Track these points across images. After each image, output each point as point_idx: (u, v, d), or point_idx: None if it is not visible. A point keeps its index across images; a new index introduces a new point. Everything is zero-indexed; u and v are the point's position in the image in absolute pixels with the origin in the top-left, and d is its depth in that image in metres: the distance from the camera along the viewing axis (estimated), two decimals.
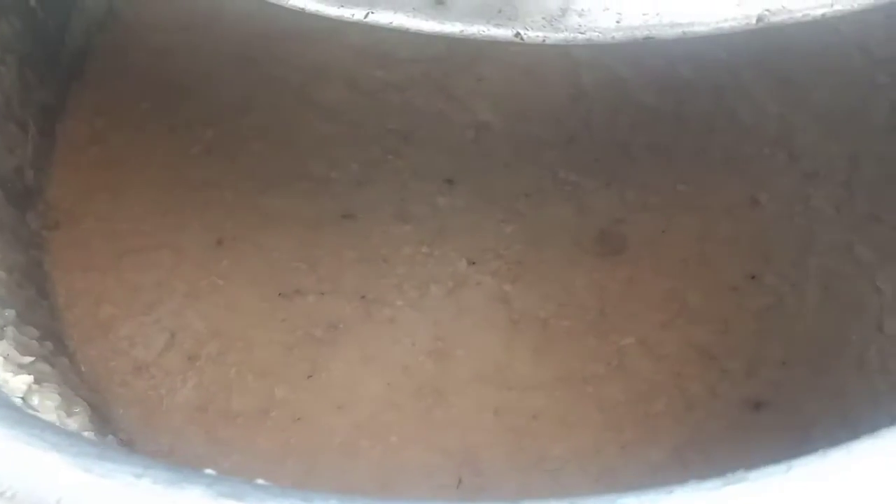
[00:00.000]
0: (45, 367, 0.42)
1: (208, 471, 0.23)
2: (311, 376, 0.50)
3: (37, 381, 0.36)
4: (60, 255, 0.56)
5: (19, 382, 0.34)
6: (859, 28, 0.61)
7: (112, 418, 0.49)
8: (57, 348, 0.49)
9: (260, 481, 0.24)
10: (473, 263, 0.53)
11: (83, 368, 0.51)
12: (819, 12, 0.37)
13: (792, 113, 0.57)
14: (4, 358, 0.36)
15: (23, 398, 0.33)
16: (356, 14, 0.37)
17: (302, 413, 0.49)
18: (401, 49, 0.63)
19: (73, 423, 0.40)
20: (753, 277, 0.51)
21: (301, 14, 0.65)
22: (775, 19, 0.37)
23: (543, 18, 0.36)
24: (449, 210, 0.56)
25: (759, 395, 0.47)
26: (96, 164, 0.59)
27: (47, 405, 0.36)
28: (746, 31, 0.62)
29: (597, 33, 0.36)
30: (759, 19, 0.36)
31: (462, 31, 0.37)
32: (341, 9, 0.37)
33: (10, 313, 0.43)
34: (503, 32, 0.37)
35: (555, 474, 0.46)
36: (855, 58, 0.59)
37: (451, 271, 0.53)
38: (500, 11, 0.36)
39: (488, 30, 0.37)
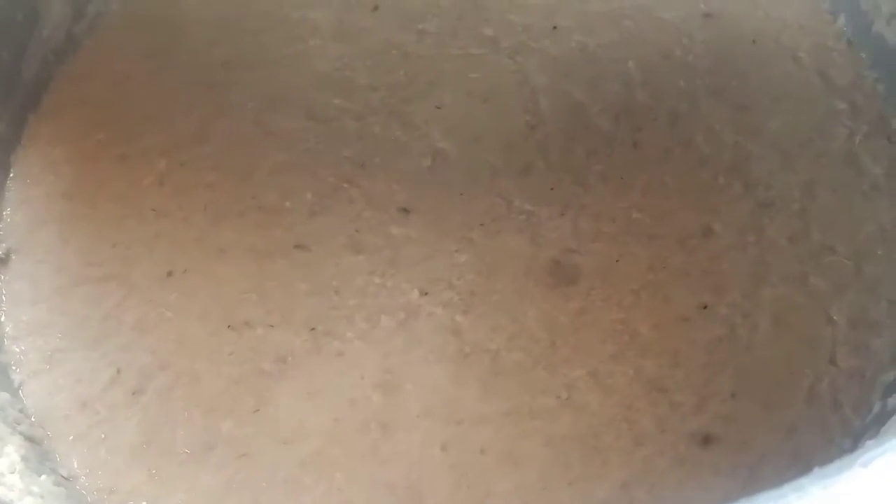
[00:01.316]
0: None
1: None
2: (257, 410, 0.49)
3: None
4: (9, 287, 0.55)
5: None
6: (819, 54, 0.60)
7: (53, 454, 0.48)
8: (2, 383, 0.49)
9: None
10: (426, 294, 0.53)
11: (27, 403, 0.50)
12: None
13: (749, 141, 0.57)
14: None
15: None
16: None
17: (247, 449, 0.48)
18: (361, 76, 0.63)
19: (3, 464, 0.39)
20: (705, 308, 0.50)
21: (262, 42, 0.65)
22: None
23: None
24: (402, 240, 0.55)
25: (707, 430, 0.46)
26: (48, 196, 0.59)
27: None
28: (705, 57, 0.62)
29: None
30: None
31: None
32: None
33: None
34: None
35: None
36: (814, 85, 0.59)
37: (403, 302, 0.53)
38: None
39: None
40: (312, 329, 0.52)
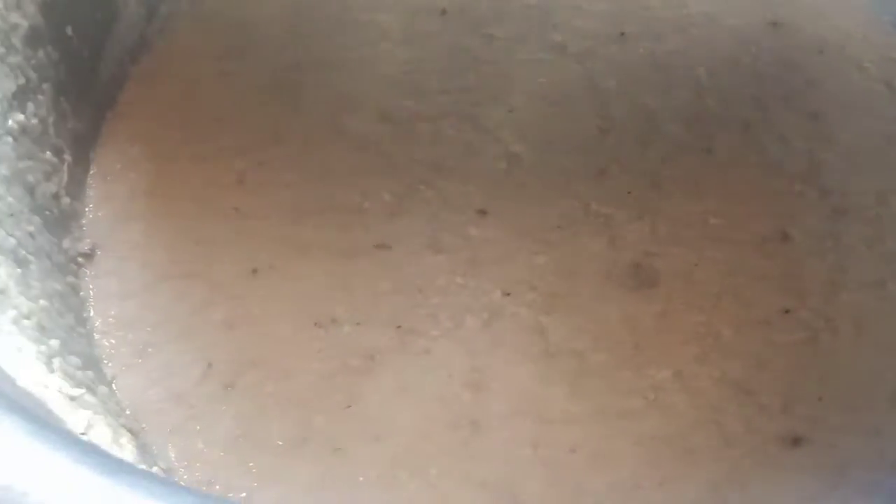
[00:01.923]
0: (92, 399, 0.42)
1: None
2: (348, 406, 0.50)
3: (93, 414, 0.36)
4: (96, 282, 0.56)
5: (80, 418, 0.34)
6: (884, 65, 0.62)
7: (151, 447, 0.49)
8: (97, 377, 0.49)
9: None
10: (508, 294, 0.54)
11: (120, 396, 0.51)
12: None
13: (821, 149, 0.58)
14: (60, 392, 0.36)
15: (84, 433, 0.33)
16: None
17: (340, 444, 0.49)
18: (432, 80, 0.64)
19: (124, 455, 0.40)
20: (787, 312, 0.52)
21: (331, 44, 0.66)
22: None
23: None
24: (481, 240, 0.56)
25: (795, 431, 0.47)
26: (130, 193, 0.60)
27: (102, 438, 0.36)
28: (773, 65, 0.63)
29: None
30: None
31: None
32: None
33: (54, 343, 0.43)
34: None
35: None
36: (881, 94, 0.60)
37: (486, 302, 0.54)
38: None
39: None
40: (398, 327, 0.53)
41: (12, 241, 0.46)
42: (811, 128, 0.59)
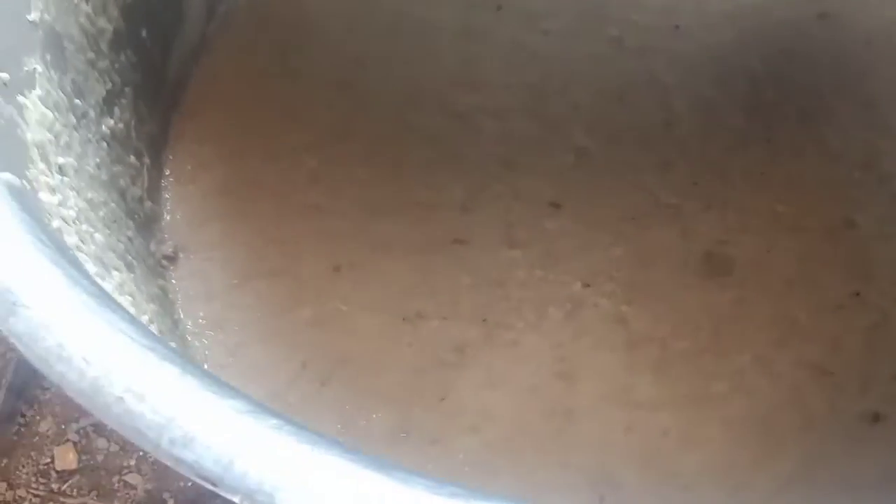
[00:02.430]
0: None
1: None
2: (443, 399, 0.52)
3: None
4: (181, 284, 0.57)
5: None
6: None
7: None
8: None
9: None
10: (588, 286, 0.56)
11: None
12: None
13: (877, 137, 0.60)
14: None
15: None
16: None
17: (438, 435, 0.51)
18: (493, 75, 0.65)
19: None
20: (857, 295, 0.54)
21: (390, 40, 0.67)
22: None
23: None
24: (557, 233, 0.58)
25: (875, 409, 0.50)
26: (204, 194, 0.60)
27: None
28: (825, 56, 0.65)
29: None
30: None
31: None
32: None
33: (173, 346, 0.44)
34: None
35: (690, 489, 0.48)
36: None
37: (567, 294, 0.55)
38: None
39: None
40: (484, 320, 0.55)
41: (121, 245, 0.46)
42: (866, 116, 0.61)
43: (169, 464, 0.22)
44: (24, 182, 0.31)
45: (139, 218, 0.54)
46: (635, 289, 0.55)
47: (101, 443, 0.77)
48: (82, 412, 0.77)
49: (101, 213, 0.44)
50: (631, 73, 0.65)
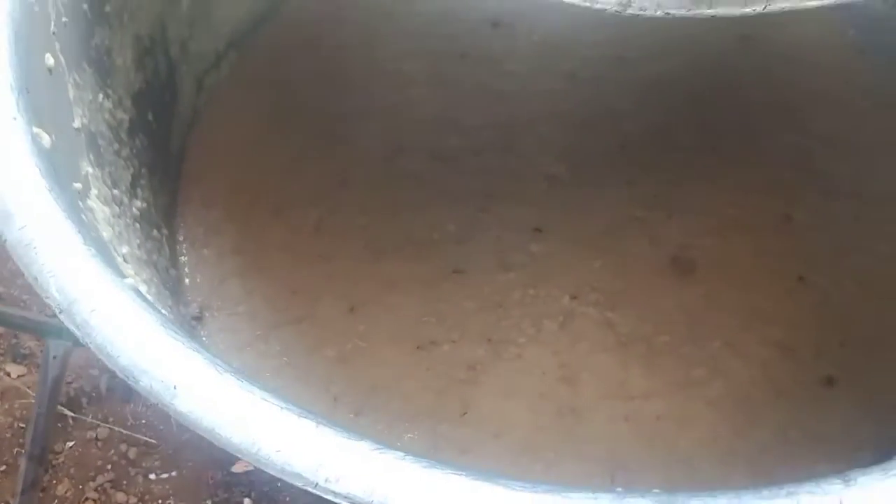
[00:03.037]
0: None
1: None
2: (465, 413, 0.59)
3: None
4: (211, 340, 0.62)
5: None
6: (839, 63, 0.74)
7: None
8: None
9: None
10: (575, 298, 0.63)
11: None
12: None
13: (803, 140, 0.70)
14: None
15: None
16: None
17: (466, 446, 0.57)
18: (467, 117, 0.72)
19: None
20: (802, 279, 0.63)
21: (369, 94, 0.73)
22: None
23: None
24: (542, 255, 0.65)
25: (830, 373, 0.59)
26: (219, 255, 0.66)
27: None
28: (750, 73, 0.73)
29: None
30: None
31: None
32: None
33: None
34: None
35: (686, 462, 0.56)
36: (841, 90, 0.72)
37: (559, 307, 0.63)
38: None
39: None
40: (489, 339, 0.62)
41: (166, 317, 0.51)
42: (792, 122, 0.71)
43: (327, 497, 0.28)
44: (133, 280, 0.36)
45: (170, 286, 0.59)
46: (617, 295, 0.63)
47: (120, 496, 0.81)
48: (98, 470, 0.81)
49: (154, 291, 0.49)
50: (587, 103, 0.73)
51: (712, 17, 0.41)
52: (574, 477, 0.56)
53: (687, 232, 0.66)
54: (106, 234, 0.43)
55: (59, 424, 0.82)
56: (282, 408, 0.30)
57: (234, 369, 0.31)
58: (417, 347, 0.62)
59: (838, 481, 0.29)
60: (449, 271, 0.65)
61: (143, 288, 0.41)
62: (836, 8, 0.66)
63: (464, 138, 0.71)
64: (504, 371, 0.61)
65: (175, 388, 0.29)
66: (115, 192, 0.51)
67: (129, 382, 0.30)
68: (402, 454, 0.30)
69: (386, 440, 0.58)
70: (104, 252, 0.37)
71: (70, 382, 0.85)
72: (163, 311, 0.49)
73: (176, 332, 0.31)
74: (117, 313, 0.31)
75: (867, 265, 0.64)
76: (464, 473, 0.30)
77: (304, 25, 0.76)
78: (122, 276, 0.36)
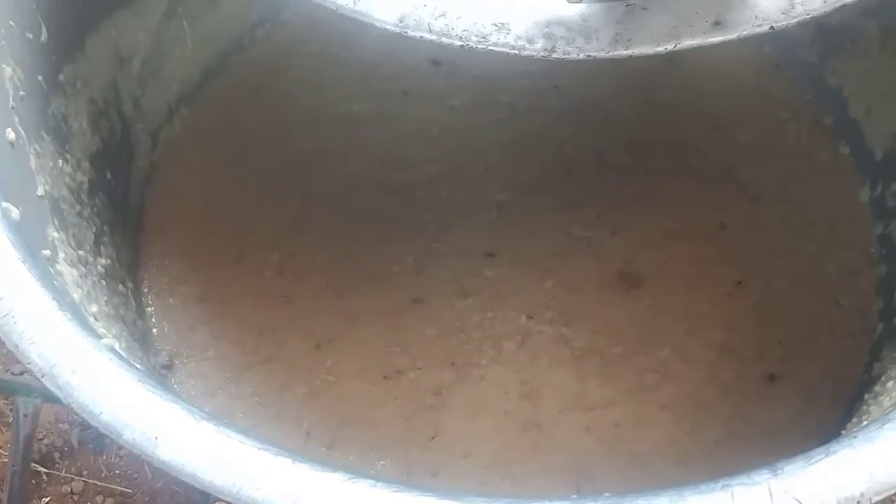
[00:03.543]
0: None
1: None
2: (434, 437, 0.61)
3: None
4: (182, 387, 0.64)
5: None
6: (759, 79, 0.79)
7: None
8: None
9: None
10: (531, 318, 0.67)
11: None
12: None
13: (728, 153, 0.74)
14: None
15: None
16: None
17: (437, 468, 0.60)
18: (415, 152, 0.75)
19: None
20: (739, 283, 0.67)
21: (319, 137, 0.76)
22: None
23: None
24: (497, 279, 0.69)
25: (771, 370, 0.63)
26: (184, 304, 0.68)
27: None
28: (677, 92, 0.78)
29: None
30: None
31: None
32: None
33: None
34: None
35: (645, 466, 0.60)
36: (762, 102, 0.77)
37: (516, 327, 0.66)
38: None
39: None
40: (453, 364, 0.64)
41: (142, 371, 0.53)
42: (718, 137, 0.76)
43: None
44: (108, 340, 0.38)
45: (138, 338, 0.61)
46: (569, 312, 0.67)
47: None
48: None
49: (124, 345, 0.51)
50: (529, 131, 0.77)
51: (629, 56, 0.45)
52: (541, 490, 0.59)
53: (630, 247, 0.70)
54: (76, 295, 0.44)
55: (34, 481, 0.82)
56: (258, 448, 0.32)
57: (210, 415, 0.33)
58: (384, 377, 0.64)
59: (766, 471, 0.33)
60: (409, 301, 0.68)
61: (115, 344, 0.43)
62: None
63: (413, 173, 0.74)
64: (469, 393, 0.64)
65: (156, 438, 0.31)
66: (81, 252, 0.53)
67: (113, 437, 0.32)
68: (373, 482, 0.32)
69: (360, 469, 0.61)
70: (77, 314, 0.39)
71: (41, 439, 0.85)
72: (135, 364, 0.51)
73: (153, 386, 0.33)
74: (96, 373, 0.33)
75: (797, 265, 0.69)
76: (432, 495, 0.32)
77: (252, 76, 0.79)
78: (97, 335, 0.38)
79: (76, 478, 0.83)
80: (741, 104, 0.78)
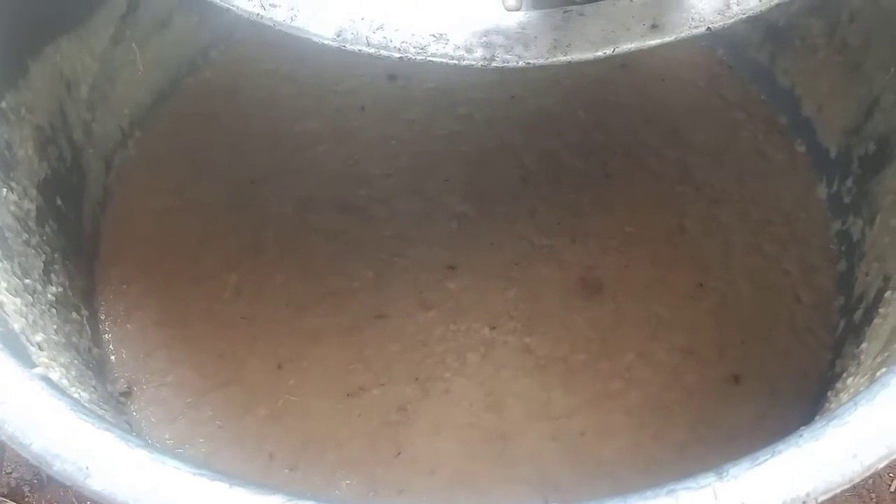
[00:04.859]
0: None
1: None
2: (399, 454, 0.60)
3: None
4: (142, 414, 0.63)
5: None
6: (712, 80, 0.80)
7: None
8: None
9: None
10: (494, 328, 0.66)
11: None
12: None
13: (686, 155, 0.75)
14: None
15: None
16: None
17: (402, 486, 0.59)
18: (372, 167, 0.75)
19: None
20: (701, 285, 0.67)
21: (276, 156, 0.75)
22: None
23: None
24: (459, 290, 0.68)
25: (734, 371, 0.63)
26: (142, 329, 0.67)
27: None
28: (631, 96, 0.78)
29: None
30: None
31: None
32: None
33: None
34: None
35: (612, 475, 0.59)
36: (716, 104, 0.78)
37: (479, 339, 0.66)
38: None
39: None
40: (416, 378, 0.64)
41: (95, 395, 0.52)
42: (674, 140, 0.76)
43: None
44: (41, 369, 0.37)
45: (93, 366, 0.59)
46: (532, 321, 0.66)
47: None
48: None
49: (74, 373, 0.50)
50: (485, 141, 0.77)
51: (568, 62, 0.45)
52: (508, 501, 0.58)
53: (591, 253, 0.70)
54: (17, 325, 0.43)
55: None
56: (194, 474, 0.32)
57: (144, 443, 0.32)
58: (347, 395, 0.63)
59: (712, 475, 0.33)
60: (371, 317, 0.67)
61: (58, 373, 0.42)
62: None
63: (371, 188, 0.74)
64: (433, 407, 0.63)
65: (87, 468, 0.30)
66: (27, 281, 0.52)
67: (43, 468, 0.31)
68: (312, 503, 0.32)
69: (323, 490, 0.60)
70: (14, 344, 0.38)
71: (10, 473, 0.84)
72: (83, 392, 0.50)
73: (86, 415, 0.32)
74: (26, 403, 0.32)
75: (757, 265, 0.69)
76: None
77: (205, 98, 0.78)
78: (33, 365, 0.37)
79: None
80: (696, 106, 0.78)
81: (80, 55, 0.65)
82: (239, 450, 0.61)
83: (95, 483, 0.30)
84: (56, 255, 0.60)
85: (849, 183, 0.69)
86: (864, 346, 0.56)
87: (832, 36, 0.69)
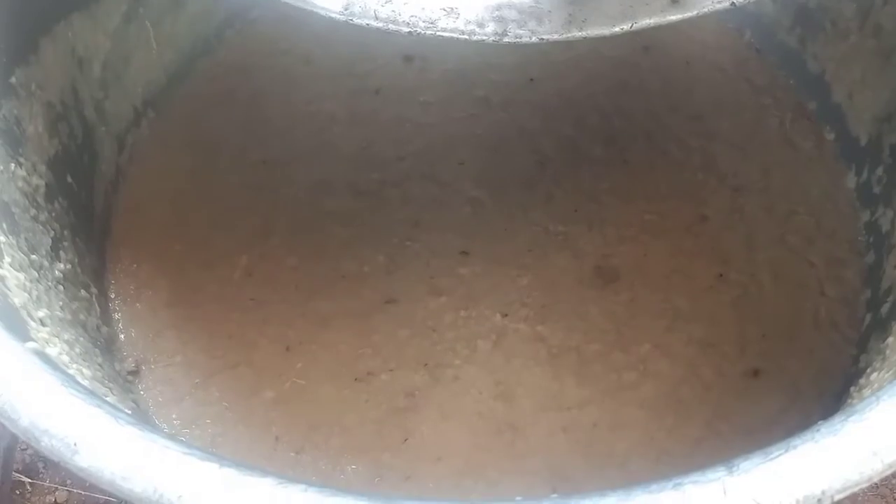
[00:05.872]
0: None
1: None
2: (406, 440, 0.59)
3: None
4: (150, 393, 0.62)
5: None
6: (739, 65, 0.77)
7: None
8: None
9: None
10: (506, 315, 0.65)
11: None
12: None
13: (709, 143, 0.73)
14: None
15: None
16: None
17: (410, 472, 0.58)
18: (386, 150, 0.74)
19: None
20: (721, 276, 0.65)
21: (290, 138, 0.74)
22: None
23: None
24: (471, 277, 0.67)
25: (754, 366, 0.61)
26: (152, 309, 0.66)
27: None
28: (654, 81, 0.76)
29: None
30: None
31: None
32: None
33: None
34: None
35: (624, 466, 0.58)
36: (743, 89, 0.75)
37: (490, 326, 0.64)
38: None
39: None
40: (425, 364, 0.63)
41: (100, 373, 0.52)
42: (697, 127, 0.74)
43: None
44: (36, 344, 0.37)
45: (101, 344, 0.59)
46: (545, 309, 0.65)
47: None
48: None
49: (78, 350, 0.50)
50: (501, 125, 0.75)
51: (584, 38, 0.44)
52: (515, 492, 0.57)
53: (607, 242, 0.68)
54: (18, 300, 0.43)
55: (18, 492, 0.81)
56: (184, 452, 0.31)
57: (134, 419, 0.31)
58: (355, 380, 0.62)
59: (722, 468, 0.31)
60: (381, 302, 0.66)
61: (58, 349, 0.41)
62: (727, 13, 0.70)
63: (385, 171, 0.73)
64: (442, 394, 0.62)
65: (75, 444, 0.30)
66: (34, 257, 0.52)
67: (32, 444, 0.30)
68: (304, 486, 0.31)
69: (329, 474, 0.59)
70: (13, 318, 0.38)
71: (25, 449, 0.84)
72: (86, 369, 0.49)
73: (77, 391, 0.32)
74: (16, 378, 0.31)
75: (781, 257, 0.66)
76: (364, 498, 0.31)
77: (220, 78, 0.77)
78: (29, 340, 0.36)
79: (60, 487, 0.82)
80: (722, 92, 0.76)
81: (93, 32, 0.65)
82: (245, 432, 0.60)
83: (82, 460, 0.30)
84: (65, 233, 0.60)
85: (879, 172, 0.67)
86: (889, 340, 0.53)
87: (865, 19, 0.66)
